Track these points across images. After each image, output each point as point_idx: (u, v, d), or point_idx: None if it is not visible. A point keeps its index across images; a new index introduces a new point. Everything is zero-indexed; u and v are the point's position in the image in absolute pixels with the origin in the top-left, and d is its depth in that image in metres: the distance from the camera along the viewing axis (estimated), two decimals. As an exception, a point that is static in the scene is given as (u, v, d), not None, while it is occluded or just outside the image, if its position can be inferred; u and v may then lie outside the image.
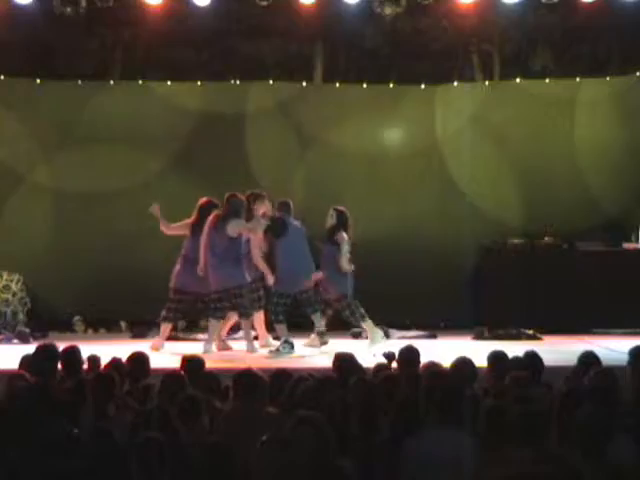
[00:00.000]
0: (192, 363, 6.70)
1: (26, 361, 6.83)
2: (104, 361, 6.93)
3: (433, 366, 6.34)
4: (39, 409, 4.88)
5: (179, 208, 12.92)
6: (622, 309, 12.41)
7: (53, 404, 4.87)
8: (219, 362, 9.24)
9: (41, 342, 7.00)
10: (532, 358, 6.73)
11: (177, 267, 11.22)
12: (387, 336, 12.35)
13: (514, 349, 7.55)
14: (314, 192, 12.90)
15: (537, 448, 4.30)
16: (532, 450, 4.25)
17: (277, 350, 10.68)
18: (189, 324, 12.36)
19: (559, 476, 3.85)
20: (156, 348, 10.65)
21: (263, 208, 11.21)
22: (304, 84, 13.72)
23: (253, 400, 5.63)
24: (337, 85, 13.73)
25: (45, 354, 6.54)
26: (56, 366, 6.46)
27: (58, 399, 5.03)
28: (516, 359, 6.78)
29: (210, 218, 10.88)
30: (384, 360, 7.56)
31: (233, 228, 10.74)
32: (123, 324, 13.28)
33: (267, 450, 4.15)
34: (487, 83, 13.77)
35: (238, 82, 13.62)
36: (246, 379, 5.79)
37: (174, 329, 11.69)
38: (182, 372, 6.22)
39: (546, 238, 13.00)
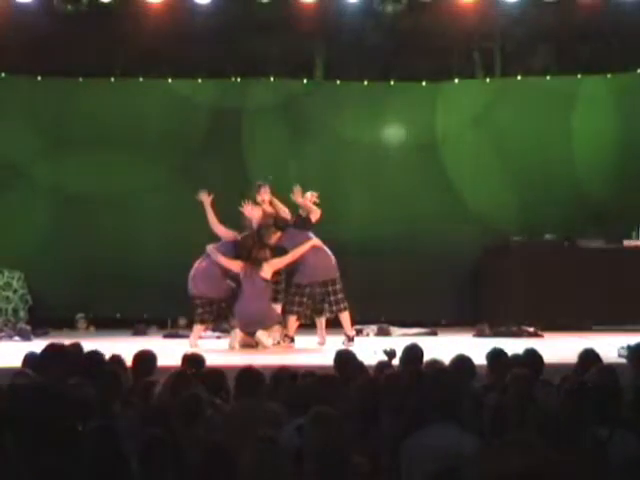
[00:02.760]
0: (193, 361, 6.70)
1: (29, 359, 6.84)
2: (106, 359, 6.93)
3: (435, 364, 6.34)
4: (42, 407, 4.88)
5: (180, 205, 12.98)
6: (623, 306, 12.42)
7: (56, 402, 4.88)
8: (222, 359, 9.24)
9: (48, 342, 7.00)
10: (531, 355, 6.73)
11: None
12: (388, 333, 12.42)
13: (515, 346, 7.55)
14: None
15: (537, 445, 4.31)
16: (532, 447, 4.26)
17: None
18: (189, 322, 12.36)
19: (557, 473, 3.86)
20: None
21: (266, 196, 11.28)
22: (305, 81, 13.74)
23: (254, 398, 5.63)
24: (338, 82, 13.74)
25: (52, 354, 6.55)
26: (63, 365, 6.48)
27: (61, 397, 5.04)
28: (516, 356, 6.79)
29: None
30: (385, 357, 7.56)
31: None
32: (126, 327, 13.31)
33: (260, 448, 4.15)
34: (488, 80, 13.78)
35: (239, 79, 13.64)
36: (247, 377, 5.79)
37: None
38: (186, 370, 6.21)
39: (547, 236, 13.00)
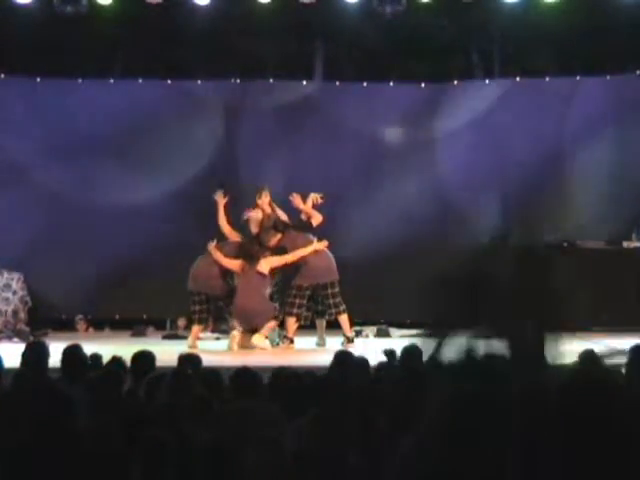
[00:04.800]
0: (189, 361, 6.71)
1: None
2: (105, 359, 6.94)
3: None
4: (41, 407, 4.89)
5: (180, 205, 12.98)
6: (622, 307, 12.42)
7: (56, 402, 4.88)
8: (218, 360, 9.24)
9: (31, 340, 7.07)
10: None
11: None
12: (387, 334, 12.41)
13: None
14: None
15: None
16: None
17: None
18: (188, 323, 12.37)
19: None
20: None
21: (267, 199, 11.27)
22: (304, 83, 13.74)
23: (251, 398, 5.63)
24: (337, 84, 13.74)
25: (35, 351, 6.59)
26: (46, 362, 6.54)
27: (61, 397, 5.04)
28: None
29: None
30: (384, 358, 7.56)
31: None
32: (125, 328, 13.32)
33: (261, 449, 4.14)
34: (487, 82, 13.78)
35: (238, 81, 13.64)
36: (244, 377, 5.79)
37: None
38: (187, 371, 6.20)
39: (546, 236, 12.98)
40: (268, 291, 11.06)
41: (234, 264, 11.02)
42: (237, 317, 10.89)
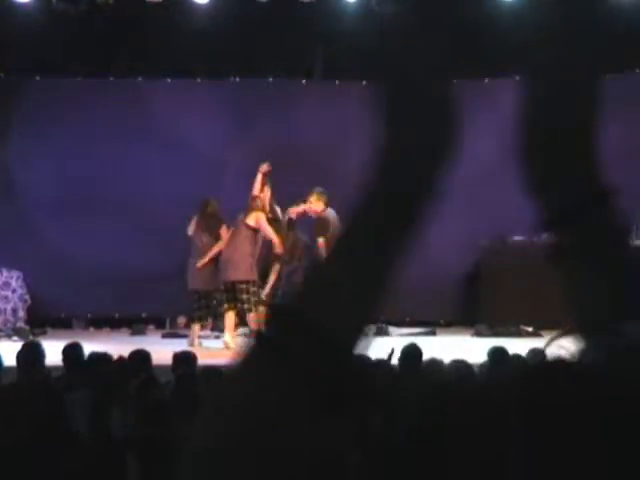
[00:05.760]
0: (184, 360, 6.73)
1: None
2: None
3: (433, 363, 6.34)
4: (37, 407, 4.89)
5: (179, 203, 12.98)
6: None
7: (55, 401, 4.89)
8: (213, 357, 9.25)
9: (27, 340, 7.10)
10: (534, 356, 6.73)
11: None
12: (386, 333, 12.40)
13: (514, 346, 7.55)
14: (311, 192, 12.92)
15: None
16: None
17: None
18: (188, 321, 12.38)
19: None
20: None
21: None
22: (304, 82, 13.75)
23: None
24: (337, 82, 13.75)
25: (30, 352, 6.62)
26: (42, 362, 6.56)
27: (58, 398, 5.04)
28: (518, 357, 6.78)
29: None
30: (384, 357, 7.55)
31: None
32: (124, 327, 13.34)
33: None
34: (487, 81, 13.80)
35: (238, 79, 13.65)
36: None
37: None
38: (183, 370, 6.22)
39: (545, 235, 12.98)
40: (253, 252, 11.08)
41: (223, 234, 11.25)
42: (220, 268, 11.04)
